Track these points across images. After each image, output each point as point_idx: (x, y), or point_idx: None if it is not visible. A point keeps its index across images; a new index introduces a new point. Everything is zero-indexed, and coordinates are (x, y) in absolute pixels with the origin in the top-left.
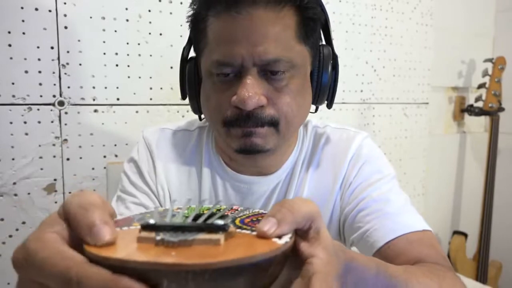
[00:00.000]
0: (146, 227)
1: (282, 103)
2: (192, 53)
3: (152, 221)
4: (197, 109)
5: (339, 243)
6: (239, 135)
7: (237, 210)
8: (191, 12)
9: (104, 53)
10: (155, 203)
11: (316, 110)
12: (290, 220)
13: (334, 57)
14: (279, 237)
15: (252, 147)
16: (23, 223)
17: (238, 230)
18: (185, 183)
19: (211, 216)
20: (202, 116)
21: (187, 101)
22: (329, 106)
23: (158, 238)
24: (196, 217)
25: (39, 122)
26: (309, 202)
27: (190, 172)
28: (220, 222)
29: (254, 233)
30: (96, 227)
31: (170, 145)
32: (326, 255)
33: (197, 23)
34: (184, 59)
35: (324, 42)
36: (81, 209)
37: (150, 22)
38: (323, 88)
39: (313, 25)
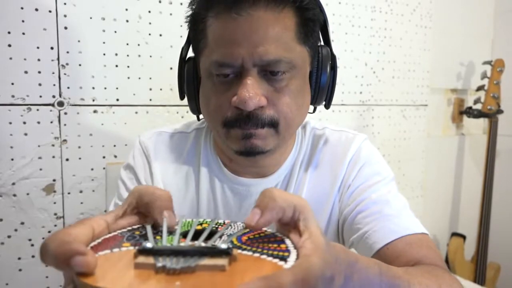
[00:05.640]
0: (143, 251)
1: (281, 104)
2: (190, 53)
3: (149, 245)
4: (195, 109)
5: (341, 245)
6: (239, 136)
7: (230, 225)
8: (190, 12)
9: (104, 54)
10: None
11: (314, 110)
12: (272, 206)
13: (333, 58)
14: (285, 260)
15: (252, 149)
16: (22, 223)
17: (239, 251)
18: (183, 186)
19: (210, 235)
20: (201, 116)
21: (186, 101)
22: (327, 106)
23: (159, 264)
24: (194, 235)
25: (38, 122)
26: (295, 195)
27: (188, 175)
28: (224, 245)
29: (257, 255)
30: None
31: (168, 148)
32: (312, 247)
33: (196, 24)
34: (183, 59)
35: (322, 43)
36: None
37: (150, 23)
38: (322, 88)
39: (313, 26)
